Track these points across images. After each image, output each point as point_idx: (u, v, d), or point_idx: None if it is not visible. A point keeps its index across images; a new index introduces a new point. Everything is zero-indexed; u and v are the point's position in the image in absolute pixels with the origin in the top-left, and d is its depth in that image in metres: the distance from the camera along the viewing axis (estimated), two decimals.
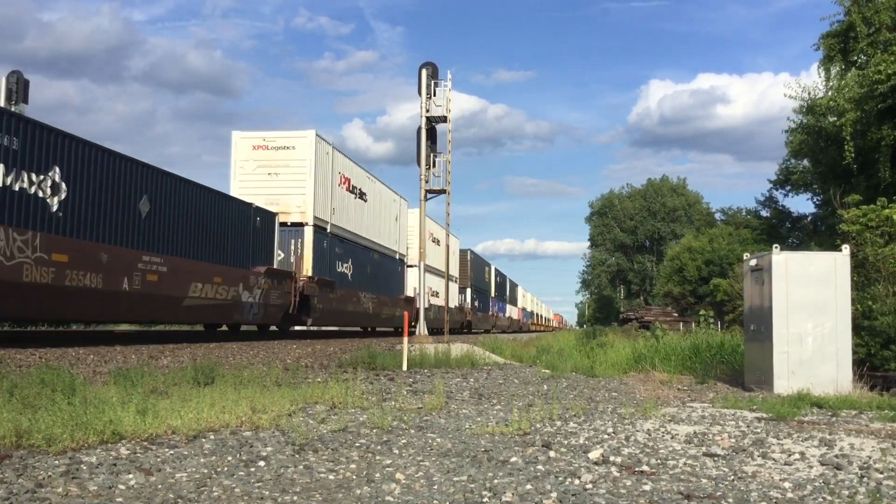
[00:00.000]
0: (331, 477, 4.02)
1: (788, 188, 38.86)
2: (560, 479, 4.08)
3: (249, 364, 10.61)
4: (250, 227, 20.70)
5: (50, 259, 12.85)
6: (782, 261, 9.33)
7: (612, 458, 4.65)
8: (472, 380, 10.09)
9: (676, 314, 37.52)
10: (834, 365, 9.09)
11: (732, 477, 4.25)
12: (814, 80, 39.14)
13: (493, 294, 60.35)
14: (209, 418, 5.36)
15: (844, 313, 9.26)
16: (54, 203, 13.20)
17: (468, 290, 47.88)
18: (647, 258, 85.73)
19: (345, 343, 18.93)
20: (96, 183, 14.30)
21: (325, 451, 4.68)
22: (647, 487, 3.93)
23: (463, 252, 48.21)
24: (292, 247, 23.53)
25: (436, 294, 38.70)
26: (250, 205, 21.00)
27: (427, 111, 20.80)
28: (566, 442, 5.22)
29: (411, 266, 34.91)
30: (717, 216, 59.92)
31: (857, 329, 10.45)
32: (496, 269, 64.14)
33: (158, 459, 4.25)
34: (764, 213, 42.72)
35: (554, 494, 3.72)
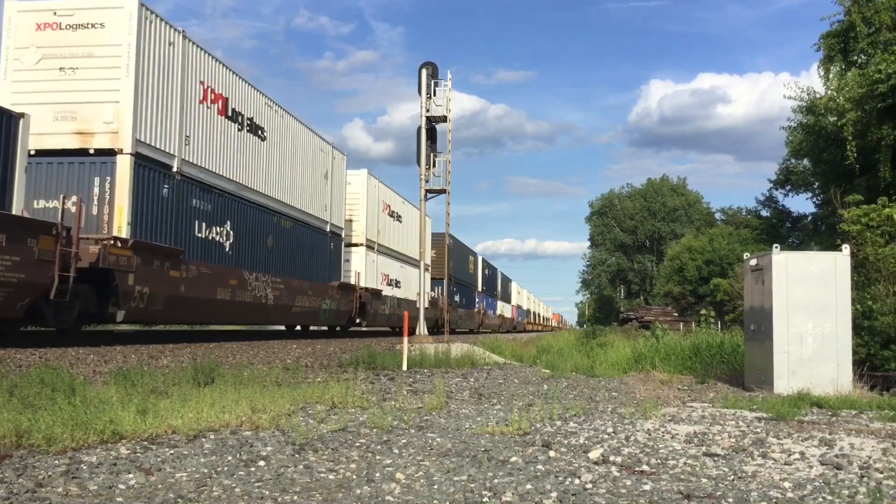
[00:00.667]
0: (331, 477, 4.01)
1: (788, 188, 38.82)
2: (560, 478, 4.07)
3: (249, 364, 10.61)
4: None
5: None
6: (782, 261, 9.33)
7: (612, 458, 4.65)
8: (472, 380, 10.09)
9: (676, 314, 37.53)
10: (834, 365, 9.09)
11: (732, 477, 4.25)
12: (813, 80, 39.15)
13: (479, 288, 53.97)
14: (209, 418, 5.36)
15: (844, 313, 9.26)
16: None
17: (445, 283, 41.00)
18: (647, 258, 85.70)
19: (345, 343, 18.93)
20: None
21: (325, 450, 4.68)
22: (647, 487, 3.93)
23: (438, 236, 40.01)
24: (96, 188, 14.39)
25: (395, 283, 32.99)
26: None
27: (427, 111, 20.80)
28: (566, 442, 5.22)
29: (356, 245, 28.01)
30: (717, 216, 59.87)
31: (857, 329, 10.45)
32: (484, 261, 57.57)
33: (158, 459, 4.25)
34: (764, 213, 42.68)
35: (554, 494, 3.71)
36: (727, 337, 14.35)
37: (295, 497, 3.59)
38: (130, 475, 3.86)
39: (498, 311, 63.38)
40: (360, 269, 27.91)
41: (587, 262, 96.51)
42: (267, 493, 3.64)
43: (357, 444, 4.90)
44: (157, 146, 15.41)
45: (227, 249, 18.44)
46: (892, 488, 4.02)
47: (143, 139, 14.88)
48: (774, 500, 3.74)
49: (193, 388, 6.91)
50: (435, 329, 38.12)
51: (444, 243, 40.94)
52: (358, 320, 27.32)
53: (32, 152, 13.37)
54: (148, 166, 15.06)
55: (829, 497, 3.81)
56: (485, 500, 3.61)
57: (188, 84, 16.64)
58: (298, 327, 26.56)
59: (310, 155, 23.64)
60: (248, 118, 19.52)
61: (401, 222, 34.21)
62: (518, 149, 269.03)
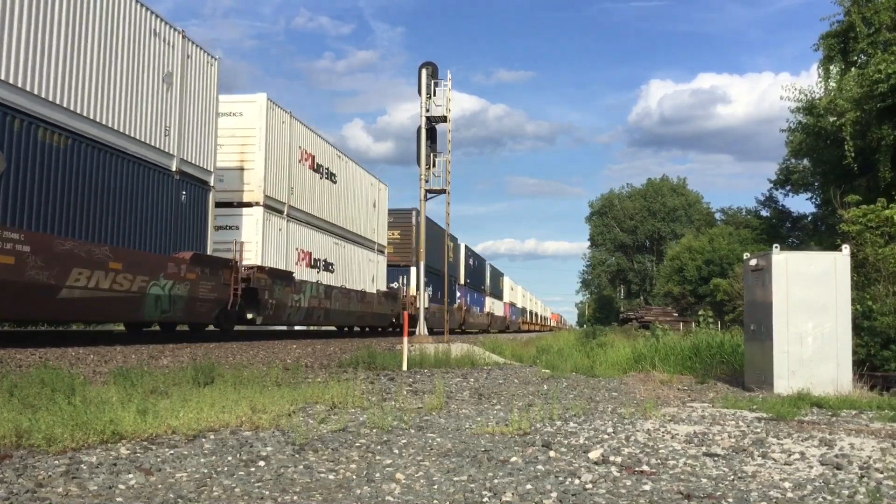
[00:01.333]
0: (331, 477, 4.01)
1: (788, 188, 38.85)
2: (560, 478, 4.07)
3: (249, 364, 10.61)
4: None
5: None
6: (782, 261, 9.33)
7: (612, 458, 4.65)
8: (472, 380, 10.09)
9: (676, 314, 37.52)
10: (834, 365, 9.09)
11: (732, 477, 4.25)
12: (813, 80, 39.12)
13: (462, 281, 46.40)
14: (209, 418, 5.36)
15: (844, 313, 9.26)
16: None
17: (412, 271, 33.65)
18: (647, 258, 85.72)
19: (345, 343, 18.93)
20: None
21: (325, 450, 4.68)
22: (647, 487, 3.93)
23: (402, 214, 33.85)
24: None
25: (323, 266, 24.46)
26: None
27: (427, 111, 20.79)
28: (566, 442, 5.22)
29: (248, 205, 20.07)
30: (717, 216, 59.87)
31: (857, 329, 10.45)
32: (469, 250, 49.06)
33: (158, 459, 4.25)
34: (764, 213, 42.70)
35: (554, 494, 3.71)
36: (727, 337, 14.35)
37: (295, 497, 3.59)
38: (130, 475, 3.86)
39: (486, 309, 56.15)
40: (255, 238, 19.95)
41: (587, 262, 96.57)
42: (267, 493, 3.64)
43: (357, 445, 4.90)
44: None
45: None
46: (891, 488, 4.02)
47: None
48: (774, 500, 3.74)
49: (193, 389, 6.91)
50: (392, 328, 32.01)
51: (412, 223, 33.21)
52: (250, 315, 19.49)
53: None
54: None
55: (829, 497, 3.81)
56: (485, 500, 3.61)
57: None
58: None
59: (135, 41, 15.14)
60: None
61: (334, 182, 25.84)
62: (518, 149, 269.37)
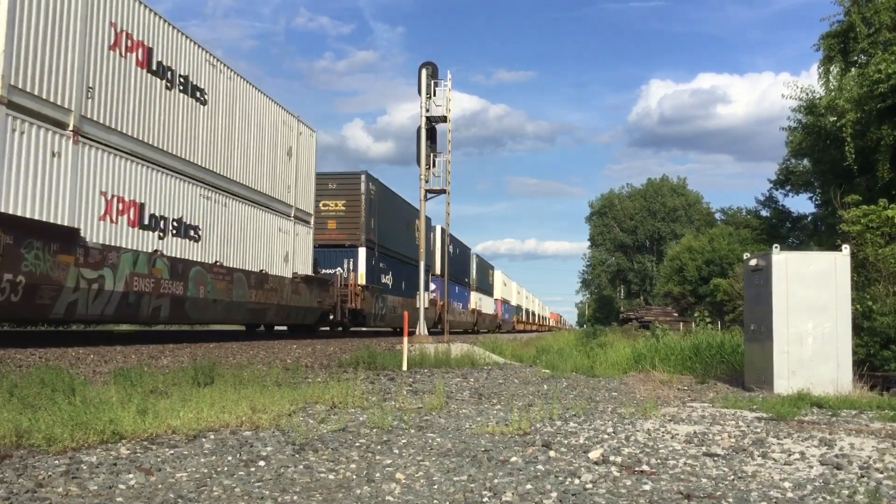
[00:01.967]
0: (331, 477, 4.01)
1: (788, 188, 38.83)
2: (560, 478, 4.07)
3: (249, 364, 10.60)
4: None
5: None
6: (782, 261, 9.33)
7: (612, 458, 4.65)
8: (472, 380, 10.09)
9: (676, 314, 37.54)
10: (834, 365, 9.09)
11: (732, 477, 4.25)
12: (813, 80, 39.14)
13: (438, 271, 38.62)
14: (209, 418, 5.36)
15: (844, 313, 9.26)
16: None
17: (363, 253, 26.67)
18: (647, 258, 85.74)
19: (345, 343, 18.93)
20: None
21: (325, 450, 4.68)
22: (647, 487, 3.93)
23: (348, 179, 26.96)
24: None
25: (184, 231, 16.24)
26: None
27: (427, 111, 20.80)
28: (566, 442, 5.22)
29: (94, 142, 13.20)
30: (717, 216, 59.95)
31: (857, 329, 10.45)
32: (446, 233, 35.52)
33: (158, 459, 4.25)
34: (764, 213, 42.68)
35: (554, 494, 3.71)
36: (727, 337, 14.35)
37: (295, 497, 3.59)
38: (130, 475, 3.86)
39: (471, 305, 49.35)
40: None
41: (587, 262, 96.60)
42: (267, 493, 3.64)
43: (357, 444, 4.90)
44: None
45: None
46: (891, 488, 4.02)
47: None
48: (774, 500, 3.74)
49: (193, 389, 6.91)
50: (333, 323, 25.84)
51: (360, 191, 26.85)
52: None
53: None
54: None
55: (829, 497, 3.81)
56: (485, 500, 3.62)
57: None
58: None
59: None
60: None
61: (201, 102, 17.10)
62: (518, 149, 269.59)
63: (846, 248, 9.55)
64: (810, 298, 9.18)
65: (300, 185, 22.98)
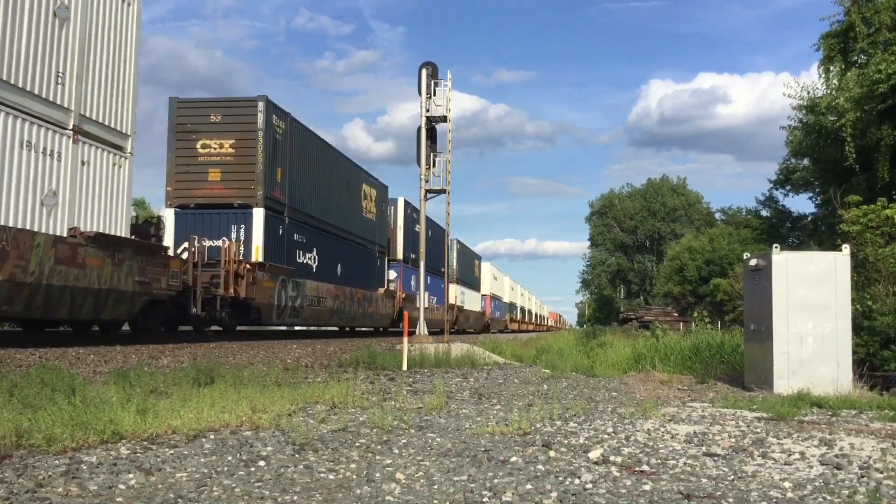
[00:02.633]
0: (331, 477, 4.01)
1: (789, 188, 38.88)
2: (560, 478, 4.07)
3: (249, 364, 10.60)
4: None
5: None
6: (782, 261, 9.33)
7: (612, 458, 4.65)
8: (472, 380, 10.09)
9: (676, 314, 37.54)
10: (834, 365, 9.09)
11: (732, 477, 4.25)
12: (814, 80, 39.12)
13: (400, 255, 32.99)
14: (209, 418, 5.36)
15: (844, 313, 9.26)
16: None
17: (258, 216, 19.41)
18: (647, 258, 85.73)
19: (345, 343, 18.93)
20: None
21: (326, 450, 4.68)
22: (647, 487, 3.93)
23: (238, 106, 19.84)
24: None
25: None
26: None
27: (427, 111, 20.79)
28: (566, 442, 5.22)
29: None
30: (717, 216, 59.98)
31: (857, 329, 10.45)
32: (410, 207, 33.71)
33: (158, 459, 4.25)
34: (764, 213, 42.73)
35: (554, 494, 3.71)
36: (727, 337, 14.35)
37: (295, 497, 3.59)
38: (130, 475, 3.86)
39: (451, 300, 40.43)
40: None
41: (587, 262, 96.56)
42: (267, 493, 3.64)
43: (357, 444, 4.90)
44: None
45: None
46: (891, 488, 4.02)
47: None
48: (774, 500, 3.74)
49: (193, 389, 6.91)
50: (198, 320, 18.06)
51: (257, 125, 19.29)
52: None
53: None
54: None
55: (829, 497, 3.81)
56: (485, 500, 3.61)
57: None
58: None
59: None
60: None
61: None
62: (518, 149, 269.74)
63: (846, 248, 9.55)
64: (810, 298, 9.18)
65: (98, 78, 13.88)
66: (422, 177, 20.79)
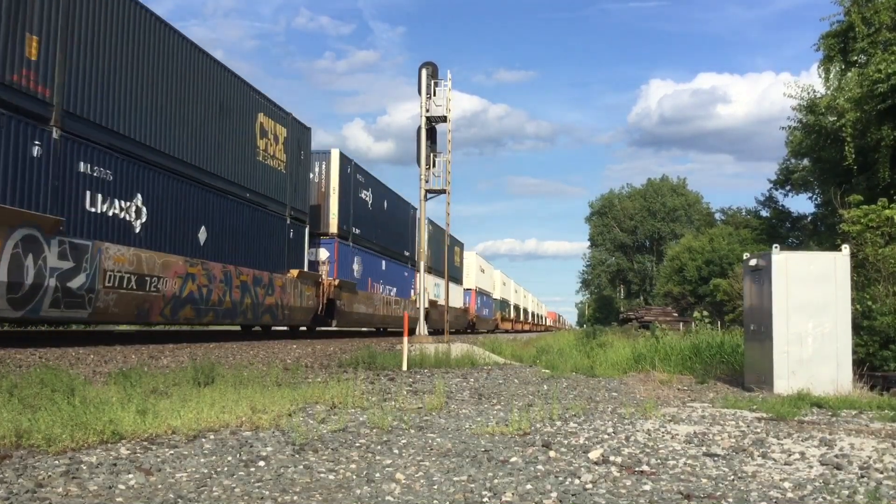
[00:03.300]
0: (331, 477, 4.01)
1: (788, 188, 38.87)
2: (560, 479, 4.07)
3: (249, 364, 10.61)
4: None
5: None
6: (782, 261, 9.33)
7: (612, 458, 4.65)
8: (471, 380, 10.09)
9: (676, 314, 37.51)
10: (834, 365, 9.09)
11: (732, 477, 4.25)
12: (813, 80, 39.14)
13: (335, 229, 24.26)
14: (209, 418, 5.36)
15: (844, 313, 9.26)
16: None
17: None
18: (647, 258, 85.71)
19: (345, 343, 18.93)
20: None
21: (325, 450, 4.67)
22: (647, 487, 3.93)
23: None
24: None
25: None
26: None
27: (427, 111, 20.78)
28: (566, 442, 5.22)
29: None
30: (717, 216, 59.91)
31: (856, 329, 10.45)
32: (344, 162, 24.93)
33: (158, 459, 4.25)
34: (764, 213, 42.71)
35: (554, 494, 3.71)
36: (727, 337, 14.36)
37: (295, 497, 3.59)
38: (130, 475, 3.86)
39: (414, 292, 33.31)
40: None
41: (587, 262, 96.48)
42: (267, 493, 3.64)
43: (357, 445, 4.90)
44: None
45: None
46: (891, 489, 4.02)
47: None
48: (774, 500, 3.74)
49: (193, 389, 6.91)
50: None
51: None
52: None
53: None
54: None
55: (829, 497, 3.81)
56: (485, 500, 3.61)
57: None
58: None
59: None
60: None
61: None
62: (518, 149, 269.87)
63: (846, 248, 9.55)
64: (810, 298, 9.18)
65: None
66: (422, 177, 20.78)
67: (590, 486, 3.93)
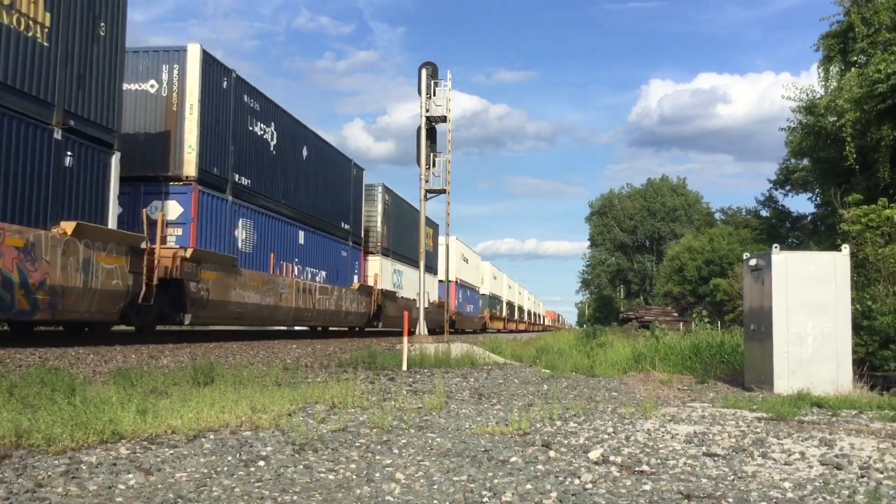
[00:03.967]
0: (331, 477, 4.01)
1: (788, 188, 38.82)
2: (560, 478, 4.07)
3: (249, 364, 10.60)
4: None
5: None
6: (782, 261, 9.33)
7: (612, 458, 4.65)
8: (471, 379, 10.09)
9: (676, 314, 37.49)
10: (834, 365, 9.09)
11: (732, 477, 4.25)
12: (813, 80, 39.12)
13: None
14: (209, 418, 5.36)
15: (844, 313, 9.26)
16: None
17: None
18: (647, 258, 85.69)
19: (344, 343, 18.92)
20: None
21: (325, 450, 4.67)
22: (647, 487, 3.93)
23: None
24: None
25: None
26: None
27: (427, 111, 20.77)
28: (566, 442, 5.21)
29: None
30: (717, 216, 59.88)
31: (856, 329, 10.45)
32: (214, 65, 17.27)
33: (158, 459, 4.25)
34: (764, 213, 42.66)
35: (554, 494, 3.71)
36: (727, 337, 14.35)
37: (295, 497, 3.59)
38: (130, 475, 3.86)
39: (371, 280, 27.62)
40: None
41: (587, 262, 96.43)
42: (267, 493, 3.64)
43: (357, 444, 4.90)
44: None
45: None
46: (891, 488, 4.02)
47: None
48: (774, 500, 3.74)
49: (193, 388, 6.91)
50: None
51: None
52: None
53: None
54: None
55: (829, 497, 3.81)
56: (485, 500, 3.61)
57: None
58: None
59: None
60: None
61: None
62: (518, 149, 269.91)
63: (846, 248, 9.55)
64: (810, 298, 9.18)
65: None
66: (422, 177, 20.77)
67: (590, 485, 3.93)
